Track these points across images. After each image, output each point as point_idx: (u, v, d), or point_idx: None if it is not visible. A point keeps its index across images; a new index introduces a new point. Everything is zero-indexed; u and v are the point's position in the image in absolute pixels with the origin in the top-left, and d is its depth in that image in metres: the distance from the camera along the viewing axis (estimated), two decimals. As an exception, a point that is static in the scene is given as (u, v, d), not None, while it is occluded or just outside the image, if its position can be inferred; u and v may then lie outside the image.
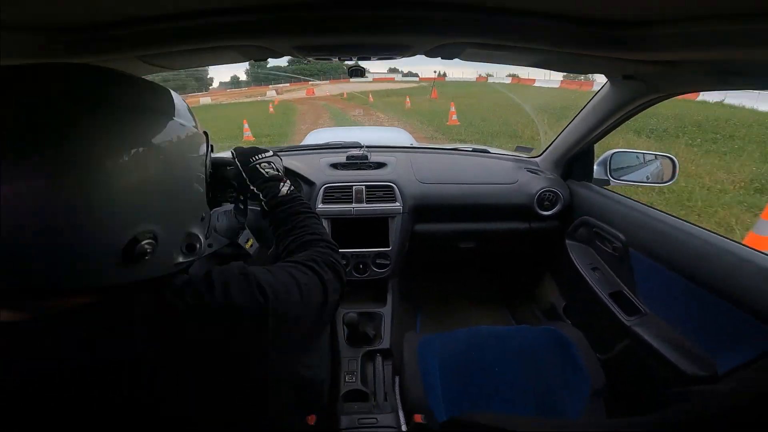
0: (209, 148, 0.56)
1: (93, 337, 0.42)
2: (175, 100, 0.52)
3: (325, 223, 1.52)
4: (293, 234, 0.77)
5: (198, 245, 0.53)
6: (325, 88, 26.70)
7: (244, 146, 0.95)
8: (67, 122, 0.39)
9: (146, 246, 0.44)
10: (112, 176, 0.40)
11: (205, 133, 0.56)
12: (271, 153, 0.92)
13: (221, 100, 26.39)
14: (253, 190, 0.88)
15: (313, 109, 15.36)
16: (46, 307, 0.42)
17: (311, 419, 0.95)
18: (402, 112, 12.85)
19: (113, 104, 0.43)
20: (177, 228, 0.50)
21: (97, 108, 0.41)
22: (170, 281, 0.49)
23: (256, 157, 0.90)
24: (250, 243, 1.15)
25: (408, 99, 14.57)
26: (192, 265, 0.56)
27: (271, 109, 15.12)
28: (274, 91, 28.19)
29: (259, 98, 23.88)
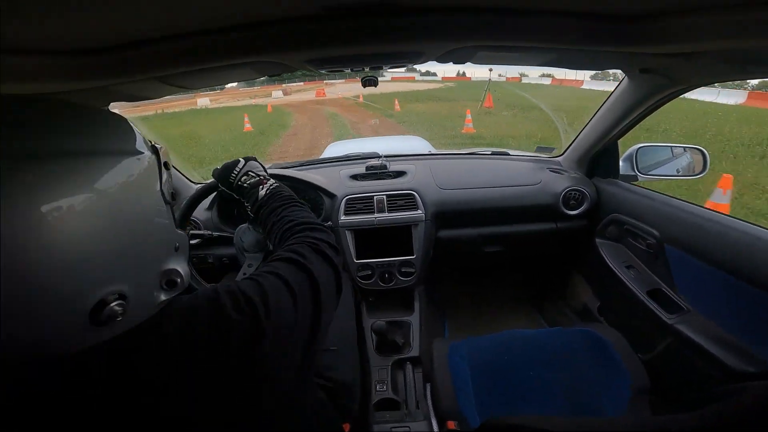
0: (161, 168, 0.49)
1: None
2: (124, 126, 0.47)
3: (348, 235, 1.54)
4: (274, 230, 0.77)
5: (179, 279, 0.49)
6: (339, 88, 24.96)
7: (220, 165, 0.99)
8: None
9: (116, 308, 0.40)
10: (54, 243, 0.35)
11: (155, 149, 0.50)
12: (242, 162, 0.96)
13: (222, 100, 23.88)
14: (243, 202, 0.91)
15: (312, 123, 11.92)
16: None
17: (346, 427, 0.95)
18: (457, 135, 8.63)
19: (39, 157, 0.36)
20: (147, 275, 0.46)
21: (20, 164, 0.35)
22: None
23: (234, 173, 0.94)
24: (250, 269, 1.18)
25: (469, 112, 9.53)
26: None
27: (248, 125, 10.96)
28: (281, 92, 26.23)
29: (258, 101, 21.27)
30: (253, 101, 22.15)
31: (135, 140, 0.46)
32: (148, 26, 0.65)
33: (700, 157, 1.50)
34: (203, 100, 22.31)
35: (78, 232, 0.37)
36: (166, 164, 0.50)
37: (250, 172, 0.94)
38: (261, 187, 0.88)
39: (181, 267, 0.50)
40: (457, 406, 1.01)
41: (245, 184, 0.92)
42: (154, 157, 0.48)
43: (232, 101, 23.70)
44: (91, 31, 0.63)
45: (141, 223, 0.44)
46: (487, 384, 1.08)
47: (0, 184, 0.33)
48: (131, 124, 0.48)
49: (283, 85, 30.25)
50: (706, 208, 1.18)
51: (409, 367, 1.32)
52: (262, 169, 0.97)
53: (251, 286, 0.54)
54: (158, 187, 0.48)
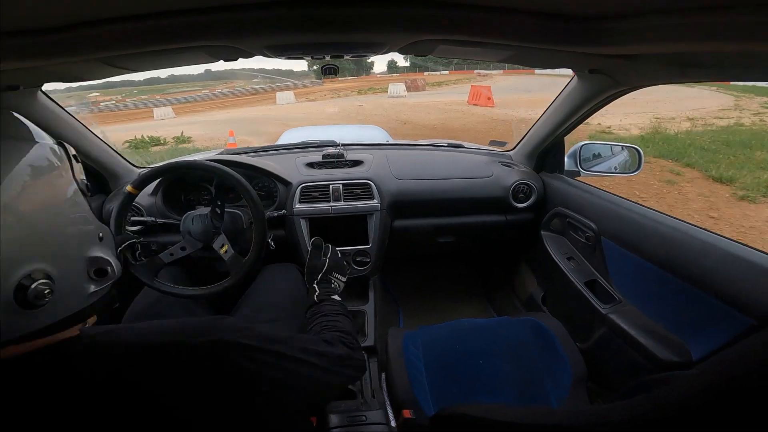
0: (71, 159, 0.50)
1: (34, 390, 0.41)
2: (23, 121, 0.47)
3: (303, 223, 1.51)
4: (323, 322, 0.83)
5: (108, 268, 0.49)
6: (309, 100, 20.98)
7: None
8: None
9: (40, 287, 0.40)
10: None
11: (60, 143, 0.51)
12: (345, 279, 1.07)
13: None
14: (314, 287, 0.97)
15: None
16: None
17: (313, 420, 0.95)
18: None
19: None
20: (71, 258, 0.46)
21: None
22: None
23: (336, 275, 1.05)
24: (225, 248, 1.14)
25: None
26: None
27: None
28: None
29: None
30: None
31: (31, 131, 0.47)
32: (92, 6, 0.59)
33: (636, 155, 1.61)
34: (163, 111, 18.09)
35: (13, 210, 0.38)
36: (75, 156, 0.51)
37: (339, 279, 1.05)
38: (336, 295, 0.96)
39: (111, 258, 0.50)
40: (412, 395, 1.03)
41: (335, 291, 1.00)
42: (60, 148, 0.49)
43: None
44: (31, 10, 0.57)
45: (56, 204, 0.44)
46: (441, 373, 1.11)
47: None
48: (24, 119, 0.48)
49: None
50: (641, 205, 1.25)
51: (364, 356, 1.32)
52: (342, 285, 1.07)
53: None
54: (71, 176, 0.48)
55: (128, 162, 1.67)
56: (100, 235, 0.51)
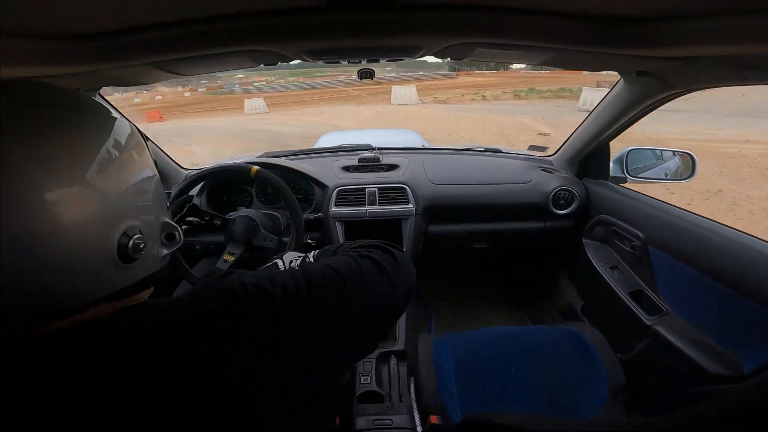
0: (146, 141, 0.56)
1: (110, 348, 0.42)
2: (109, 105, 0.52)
3: (338, 226, 1.54)
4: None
5: (176, 233, 0.54)
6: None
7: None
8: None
9: (137, 240, 0.45)
10: (82, 184, 0.41)
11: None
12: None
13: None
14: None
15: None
16: (59, 325, 0.42)
17: (336, 420, 0.96)
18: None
19: (66, 114, 0.43)
20: (153, 220, 0.50)
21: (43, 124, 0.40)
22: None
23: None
24: (230, 258, 1.19)
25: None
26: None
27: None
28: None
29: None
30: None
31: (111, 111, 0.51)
32: (145, 12, 0.63)
33: (689, 162, 1.52)
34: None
35: (91, 180, 0.41)
36: (144, 135, 0.57)
37: (293, 260, 0.94)
38: (307, 260, 0.87)
39: (176, 225, 0.55)
40: (440, 401, 1.02)
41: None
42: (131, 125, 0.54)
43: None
44: (87, 15, 0.61)
45: (141, 170, 0.49)
46: (470, 380, 1.09)
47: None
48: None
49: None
50: (691, 212, 1.19)
51: (393, 360, 1.32)
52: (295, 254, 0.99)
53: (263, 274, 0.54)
54: (147, 148, 0.53)
55: (176, 164, 1.77)
56: (167, 204, 0.56)
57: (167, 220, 0.53)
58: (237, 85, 33.63)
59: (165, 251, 0.53)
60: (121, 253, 0.44)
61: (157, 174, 0.54)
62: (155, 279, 0.53)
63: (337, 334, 0.52)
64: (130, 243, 0.44)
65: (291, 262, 0.89)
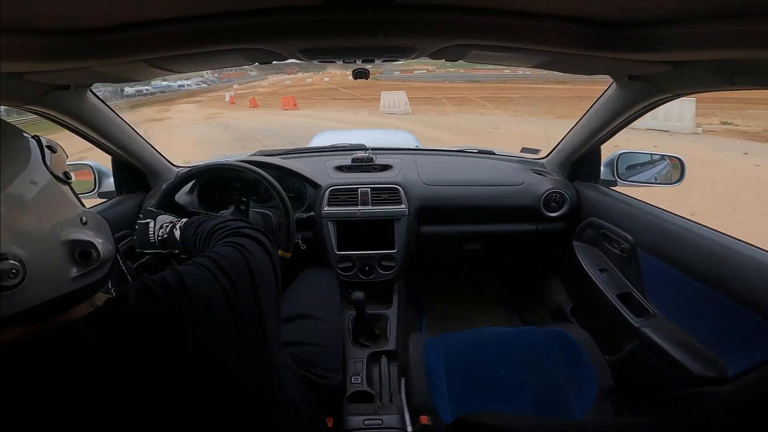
0: (43, 149, 0.50)
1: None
2: None
3: (330, 226, 1.53)
4: (200, 242, 0.79)
5: (93, 251, 0.49)
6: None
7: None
8: None
9: (9, 266, 0.40)
10: None
11: (36, 137, 0.51)
12: (151, 222, 1.00)
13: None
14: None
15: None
16: None
17: (329, 421, 0.96)
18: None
19: None
20: (45, 242, 0.45)
21: None
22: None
23: (150, 234, 0.97)
24: None
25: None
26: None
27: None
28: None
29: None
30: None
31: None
32: (138, 9, 0.63)
33: (678, 166, 1.54)
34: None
35: None
36: (50, 147, 0.51)
37: (163, 224, 0.97)
38: (175, 228, 0.92)
39: (95, 240, 0.50)
40: (430, 402, 1.02)
41: (166, 236, 0.95)
42: (33, 140, 0.50)
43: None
44: (80, 11, 0.60)
45: (24, 188, 0.44)
46: (460, 380, 1.09)
47: None
48: None
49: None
50: (680, 216, 1.21)
51: (384, 360, 1.32)
52: (169, 218, 1.01)
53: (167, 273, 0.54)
54: (42, 163, 0.48)
55: (167, 161, 1.75)
56: (83, 219, 0.51)
57: (76, 237, 0.48)
58: (397, 72, 31.28)
59: (76, 271, 0.47)
60: None
61: (62, 187, 0.50)
62: (92, 291, 0.51)
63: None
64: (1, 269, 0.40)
65: (161, 228, 0.96)
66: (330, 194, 1.55)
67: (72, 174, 0.53)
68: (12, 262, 0.41)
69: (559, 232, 1.66)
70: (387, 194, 1.56)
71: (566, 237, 1.65)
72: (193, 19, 0.67)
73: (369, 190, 1.56)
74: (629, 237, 1.31)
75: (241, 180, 1.58)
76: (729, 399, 0.44)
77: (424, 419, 0.97)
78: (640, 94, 1.20)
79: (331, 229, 1.53)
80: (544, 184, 1.62)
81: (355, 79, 1.13)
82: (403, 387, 1.19)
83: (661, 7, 0.61)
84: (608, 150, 1.64)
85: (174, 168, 1.76)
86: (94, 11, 0.61)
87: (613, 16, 0.69)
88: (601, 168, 1.63)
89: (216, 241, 0.69)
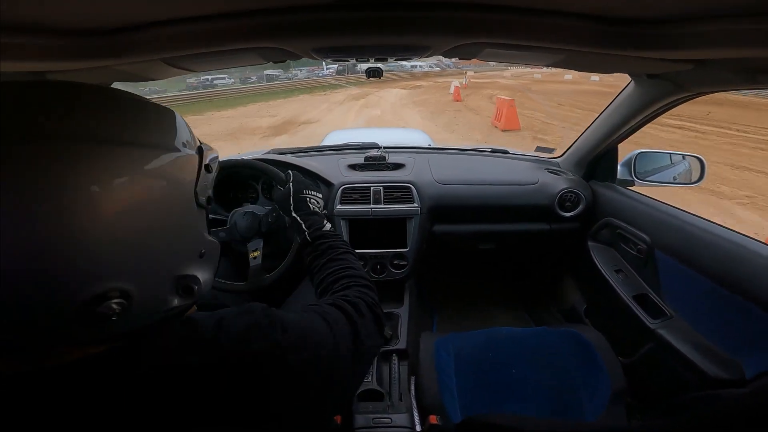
0: (200, 169, 0.48)
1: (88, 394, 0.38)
2: (169, 121, 0.45)
3: (342, 224, 1.54)
4: (331, 267, 0.77)
5: (196, 286, 0.46)
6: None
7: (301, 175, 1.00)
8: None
9: (113, 306, 0.37)
10: (67, 225, 0.34)
11: (200, 149, 0.49)
12: (321, 194, 0.98)
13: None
14: (295, 218, 0.90)
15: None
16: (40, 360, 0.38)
17: (338, 419, 0.97)
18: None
19: (72, 138, 0.36)
20: (159, 277, 0.42)
21: (47, 142, 0.34)
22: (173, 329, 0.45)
23: (309, 191, 0.95)
24: (255, 254, 1.17)
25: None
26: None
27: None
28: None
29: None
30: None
31: (175, 137, 0.45)
32: (156, 9, 0.64)
33: (698, 165, 1.50)
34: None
35: (101, 218, 0.35)
36: (207, 166, 0.49)
37: (318, 201, 0.97)
38: (325, 220, 0.90)
39: (202, 275, 0.47)
40: (440, 401, 1.02)
41: (311, 204, 0.94)
42: (196, 156, 0.47)
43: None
44: (98, 11, 0.61)
45: (164, 222, 0.42)
46: (471, 380, 1.09)
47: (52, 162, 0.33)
48: (178, 121, 0.47)
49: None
50: (698, 216, 1.18)
51: (395, 359, 1.33)
52: (323, 207, 1.01)
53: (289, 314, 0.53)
54: (192, 188, 0.46)
55: None
56: (202, 251, 0.48)
57: (189, 273, 0.45)
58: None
59: (176, 302, 0.45)
60: (85, 313, 0.36)
61: (199, 215, 0.47)
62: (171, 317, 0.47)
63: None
64: (102, 306, 0.37)
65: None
66: (342, 192, 1.56)
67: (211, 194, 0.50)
68: (117, 301, 0.38)
69: (573, 232, 1.64)
70: (399, 193, 1.56)
71: (581, 237, 1.63)
72: (210, 19, 0.68)
73: (381, 188, 1.56)
74: (646, 237, 1.29)
75: (256, 178, 1.59)
76: (746, 401, 0.43)
77: (434, 419, 0.98)
78: (659, 93, 1.17)
79: (343, 227, 1.54)
80: (559, 184, 1.60)
81: (368, 78, 1.13)
82: (413, 386, 1.19)
83: (682, 4, 0.60)
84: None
85: None
86: (114, 11, 0.63)
87: (631, 14, 0.68)
88: (618, 168, 1.60)
89: (346, 292, 0.70)
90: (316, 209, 0.94)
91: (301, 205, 0.93)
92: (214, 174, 0.51)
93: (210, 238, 0.51)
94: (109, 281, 0.37)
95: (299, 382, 0.47)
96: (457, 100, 14.58)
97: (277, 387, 0.45)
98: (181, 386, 0.41)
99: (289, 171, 1.02)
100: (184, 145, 0.45)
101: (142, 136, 0.41)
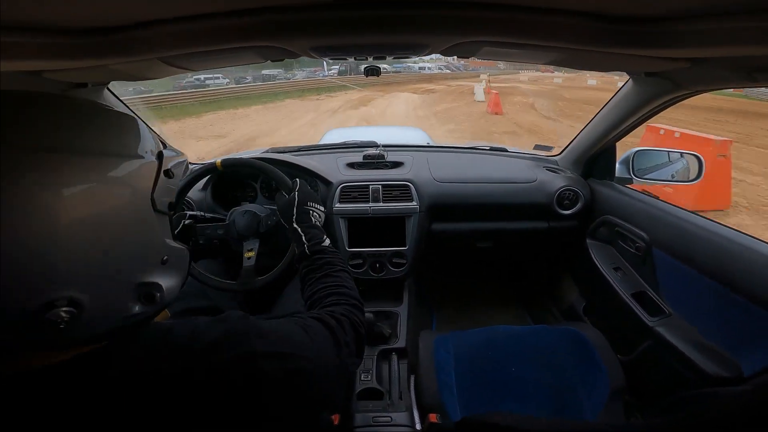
0: (159, 175, 0.47)
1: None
2: (127, 128, 0.45)
3: (341, 223, 1.54)
4: (325, 282, 0.77)
5: (158, 293, 0.45)
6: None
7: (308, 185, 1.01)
8: None
9: (62, 314, 0.37)
10: (15, 230, 0.34)
11: (160, 154, 0.48)
12: (323, 208, 0.99)
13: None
14: (296, 228, 0.91)
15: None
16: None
17: (335, 418, 0.97)
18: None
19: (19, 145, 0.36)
20: (115, 286, 0.42)
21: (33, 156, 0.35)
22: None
23: (312, 204, 0.96)
24: (250, 254, 1.17)
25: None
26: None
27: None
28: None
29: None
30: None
31: (138, 144, 0.45)
32: (153, 7, 0.63)
33: (696, 163, 1.50)
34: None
35: (49, 228, 0.35)
36: (167, 172, 0.48)
37: (320, 215, 0.98)
38: (324, 236, 0.90)
39: (166, 281, 0.47)
40: (439, 400, 1.02)
41: (313, 217, 0.94)
42: (155, 162, 0.47)
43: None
44: (95, 10, 0.61)
45: (118, 230, 0.41)
46: (470, 379, 1.09)
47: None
48: (140, 127, 0.47)
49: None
50: (696, 214, 1.19)
51: (394, 358, 1.33)
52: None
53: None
54: (149, 195, 0.45)
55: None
56: (165, 258, 0.47)
57: (152, 279, 0.45)
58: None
59: (137, 309, 0.44)
60: (35, 320, 0.36)
61: (160, 221, 0.46)
62: (134, 325, 0.46)
63: None
64: (51, 313, 0.36)
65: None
66: (341, 191, 1.56)
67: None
68: (66, 309, 0.37)
69: (572, 230, 1.64)
70: (398, 191, 1.56)
71: (579, 235, 1.63)
72: (207, 18, 0.67)
73: (380, 187, 1.56)
74: (645, 235, 1.29)
75: (255, 178, 1.59)
76: (744, 398, 0.43)
77: (433, 417, 0.98)
78: (657, 91, 1.18)
79: (342, 225, 1.54)
80: (558, 182, 1.60)
81: (367, 77, 1.13)
82: (412, 385, 1.19)
83: (681, 2, 0.60)
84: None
85: (189, 166, 1.78)
86: (111, 10, 0.62)
87: (630, 11, 0.68)
88: (617, 166, 1.60)
89: (329, 299, 0.71)
90: (317, 223, 0.94)
91: (304, 217, 0.93)
92: (177, 179, 0.50)
93: (174, 244, 0.50)
94: (58, 290, 0.37)
95: (274, 389, 0.48)
96: (497, 113, 11.73)
97: (250, 394, 0.45)
98: (151, 393, 0.41)
99: (297, 179, 1.02)
100: (144, 152, 0.45)
101: (96, 143, 0.41)
